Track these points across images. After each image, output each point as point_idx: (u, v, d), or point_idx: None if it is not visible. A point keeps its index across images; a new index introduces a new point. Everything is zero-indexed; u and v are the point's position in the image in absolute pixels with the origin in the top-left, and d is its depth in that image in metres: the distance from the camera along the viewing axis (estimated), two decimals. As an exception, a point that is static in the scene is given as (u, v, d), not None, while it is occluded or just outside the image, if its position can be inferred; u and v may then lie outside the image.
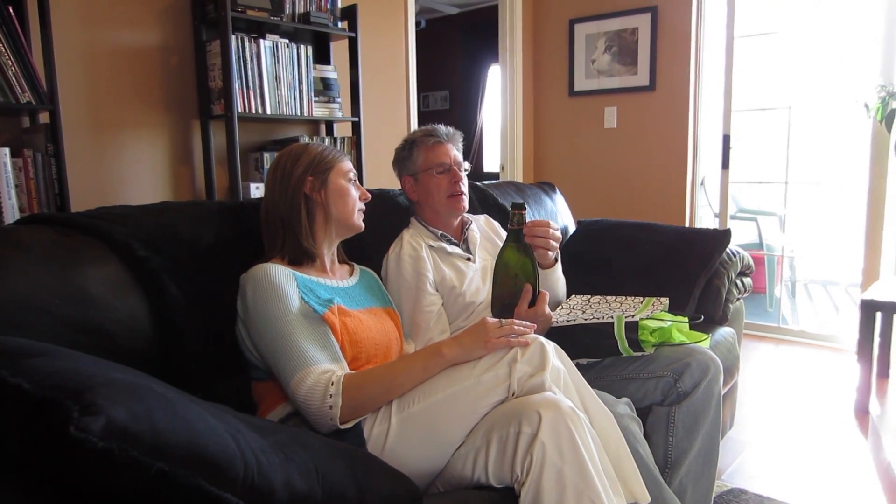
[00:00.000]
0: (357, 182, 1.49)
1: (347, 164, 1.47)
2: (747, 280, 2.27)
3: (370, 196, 1.50)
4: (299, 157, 1.42)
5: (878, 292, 2.68)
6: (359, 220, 1.47)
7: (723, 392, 1.73)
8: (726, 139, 3.78)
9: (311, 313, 1.27)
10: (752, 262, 2.28)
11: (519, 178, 4.29)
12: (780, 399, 2.81)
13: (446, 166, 1.71)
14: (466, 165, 1.77)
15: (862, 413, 2.62)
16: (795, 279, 4.76)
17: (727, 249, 2.14)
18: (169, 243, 1.33)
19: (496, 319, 1.25)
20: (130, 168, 2.44)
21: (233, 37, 2.39)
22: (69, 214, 1.34)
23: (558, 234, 1.65)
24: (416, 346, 1.59)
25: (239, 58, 2.43)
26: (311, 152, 1.43)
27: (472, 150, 6.49)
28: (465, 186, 1.74)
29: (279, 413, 1.28)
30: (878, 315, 2.74)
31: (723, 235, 2.10)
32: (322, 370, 1.20)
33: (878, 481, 2.10)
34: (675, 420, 1.57)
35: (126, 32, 2.39)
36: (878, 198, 3.30)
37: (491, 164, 6.52)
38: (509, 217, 1.49)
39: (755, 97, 4.35)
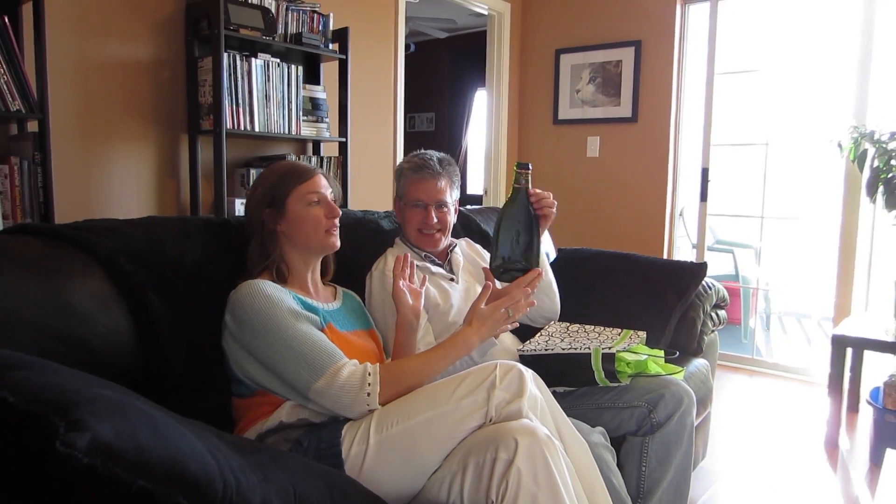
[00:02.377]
0: (325, 199, 1.42)
1: (313, 183, 1.41)
2: (722, 312, 2.32)
3: (339, 212, 1.43)
4: (257, 188, 1.42)
5: (848, 328, 2.75)
6: (328, 239, 1.42)
7: (696, 423, 1.76)
8: (705, 172, 3.88)
9: (315, 319, 1.30)
10: (726, 295, 2.33)
11: (502, 203, 4.34)
12: (753, 431, 2.85)
13: (421, 203, 1.72)
14: (449, 206, 1.74)
15: (832, 447, 2.67)
16: (770, 311, 4.85)
17: (703, 282, 2.19)
18: (155, 258, 1.33)
19: (496, 306, 1.37)
20: (116, 179, 2.44)
21: (225, 54, 2.41)
22: (56, 226, 1.34)
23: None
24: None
25: (230, 75, 2.45)
26: (268, 180, 1.41)
27: (457, 173, 6.54)
28: (442, 224, 1.73)
29: (258, 429, 1.28)
30: (849, 350, 2.81)
31: (699, 269, 2.15)
32: (353, 362, 1.24)
33: (844, 514, 2.14)
34: (648, 450, 1.59)
35: (119, 45, 2.40)
36: (850, 235, 3.39)
37: (475, 186, 6.57)
38: (515, 177, 1.50)
39: (734, 132, 4.46)
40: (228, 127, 2.44)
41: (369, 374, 1.22)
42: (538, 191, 1.55)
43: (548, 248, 1.81)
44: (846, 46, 3.41)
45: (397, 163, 1.79)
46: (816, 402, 3.17)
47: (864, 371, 3.05)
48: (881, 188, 2.67)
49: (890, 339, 2.55)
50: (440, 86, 6.61)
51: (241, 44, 2.54)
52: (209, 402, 1.33)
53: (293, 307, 1.29)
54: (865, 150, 2.73)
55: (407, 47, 3.94)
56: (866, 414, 2.90)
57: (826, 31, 3.86)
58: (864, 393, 2.78)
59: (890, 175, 2.63)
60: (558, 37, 4.26)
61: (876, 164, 2.68)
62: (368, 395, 1.21)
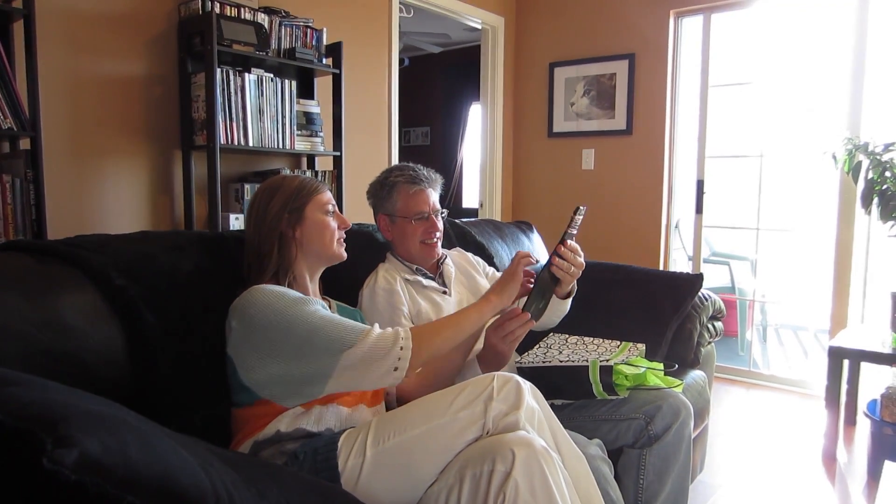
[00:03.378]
0: (337, 211, 1.49)
1: (325, 196, 1.46)
2: (719, 324, 2.31)
3: (350, 224, 1.51)
4: (275, 194, 1.42)
5: (845, 340, 2.75)
6: (339, 249, 1.47)
7: (693, 435, 1.75)
8: (700, 184, 3.89)
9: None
10: (723, 307, 2.32)
11: (497, 216, 4.35)
12: (751, 443, 2.84)
13: (424, 214, 1.71)
14: (443, 212, 1.78)
15: (829, 460, 2.65)
16: (766, 323, 4.85)
17: (699, 293, 2.19)
18: (147, 273, 1.32)
19: (517, 263, 1.46)
20: (110, 196, 2.43)
21: (218, 70, 2.42)
22: (47, 242, 1.33)
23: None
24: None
25: (223, 90, 2.45)
26: (288, 188, 1.43)
27: (452, 187, 6.56)
28: (439, 232, 1.74)
29: (255, 440, 1.26)
30: (846, 362, 2.80)
31: (695, 280, 2.14)
32: (380, 328, 1.25)
33: (845, 527, 2.12)
34: (645, 463, 1.58)
35: (112, 61, 2.41)
36: (845, 247, 3.40)
37: (470, 200, 6.59)
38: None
39: (728, 144, 4.49)
40: (222, 142, 2.44)
41: (402, 337, 1.23)
42: (564, 250, 1.53)
43: (561, 310, 1.80)
44: (839, 58, 3.44)
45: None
46: (814, 415, 3.16)
47: (862, 383, 3.04)
48: (876, 199, 2.68)
49: (887, 350, 2.55)
50: (435, 100, 6.64)
51: (234, 59, 2.55)
52: (203, 417, 1.32)
53: (307, 299, 1.29)
54: (859, 162, 2.74)
55: (401, 62, 3.96)
56: (864, 426, 2.89)
57: (819, 43, 3.89)
58: (862, 405, 2.77)
59: (884, 186, 2.64)
60: (552, 50, 4.29)
61: (870, 175, 2.69)
62: (399, 358, 1.21)
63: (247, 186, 2.65)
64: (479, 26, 4.26)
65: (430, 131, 6.79)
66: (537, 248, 2.54)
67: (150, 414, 0.91)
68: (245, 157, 2.81)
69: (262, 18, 2.65)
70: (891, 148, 2.64)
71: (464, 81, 6.23)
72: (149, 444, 0.68)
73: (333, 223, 1.46)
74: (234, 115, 2.50)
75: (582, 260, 1.57)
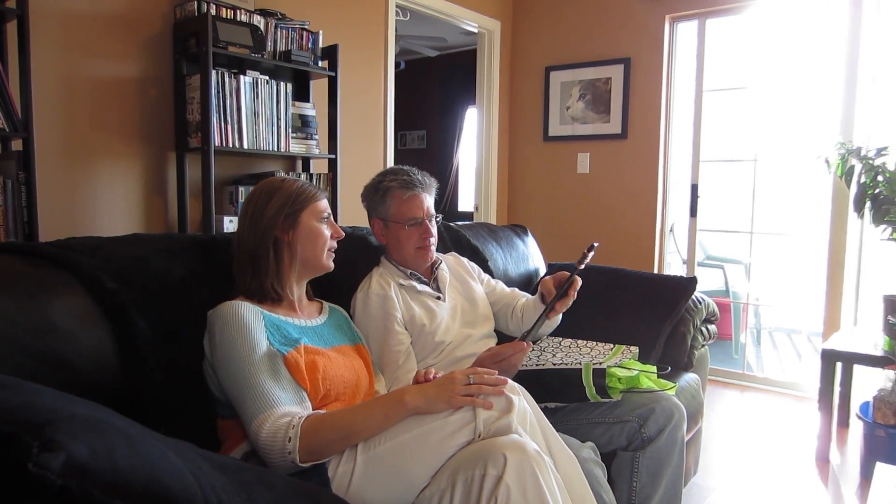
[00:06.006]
0: (331, 220, 1.48)
1: (322, 204, 1.46)
2: (712, 327, 2.31)
3: (343, 234, 1.50)
4: (272, 197, 1.40)
5: (837, 342, 2.76)
6: (328, 260, 1.46)
7: (687, 438, 1.75)
8: (694, 188, 3.90)
9: (277, 353, 1.26)
10: (716, 310, 2.33)
11: (493, 220, 4.35)
12: (745, 446, 2.84)
13: (419, 220, 1.70)
14: (438, 217, 1.78)
15: (822, 462, 2.66)
16: (760, 326, 4.86)
17: (693, 296, 2.19)
18: (139, 276, 1.32)
19: (466, 375, 1.23)
20: (103, 198, 2.42)
21: (213, 72, 2.41)
22: (37, 244, 1.33)
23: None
24: (385, 384, 1.58)
25: (218, 92, 2.45)
26: (285, 191, 1.41)
27: (448, 190, 6.57)
28: (434, 238, 1.74)
29: (243, 449, 1.26)
30: (838, 365, 2.81)
31: (688, 283, 2.15)
32: (282, 413, 1.18)
33: (837, 530, 2.13)
34: (639, 465, 1.58)
35: (106, 63, 2.40)
36: (838, 250, 3.41)
37: (466, 203, 6.59)
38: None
39: (723, 148, 4.50)
40: (217, 144, 2.44)
41: (291, 429, 1.16)
42: (567, 298, 1.65)
43: (552, 323, 1.87)
44: (832, 64, 3.46)
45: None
46: (807, 417, 3.17)
47: (854, 385, 3.05)
48: (868, 203, 2.69)
49: (879, 353, 2.56)
50: (431, 103, 6.65)
51: (229, 61, 2.55)
52: (195, 422, 1.31)
53: (261, 339, 1.26)
54: (852, 166, 2.75)
55: (397, 65, 3.97)
56: (856, 428, 2.90)
57: (812, 48, 3.91)
58: (854, 407, 2.78)
59: (877, 190, 2.65)
60: (548, 54, 4.30)
61: (863, 179, 2.70)
62: (289, 452, 1.15)
63: (241, 189, 2.65)
64: (476, 30, 4.27)
65: (426, 134, 6.79)
66: (532, 252, 2.54)
67: (141, 418, 0.90)
68: (240, 160, 2.81)
69: (258, 20, 2.65)
70: (883, 152, 2.65)
71: (460, 85, 6.24)
72: (137, 449, 0.68)
73: (327, 232, 1.45)
74: (228, 118, 2.49)
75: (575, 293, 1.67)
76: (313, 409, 1.26)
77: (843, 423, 3.02)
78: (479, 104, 4.40)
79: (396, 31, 3.98)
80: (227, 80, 2.48)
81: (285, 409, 1.20)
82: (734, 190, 4.43)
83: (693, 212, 3.92)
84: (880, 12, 3.15)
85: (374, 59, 3.52)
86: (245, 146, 2.55)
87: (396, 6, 3.62)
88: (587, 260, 1.58)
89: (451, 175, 6.57)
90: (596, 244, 1.61)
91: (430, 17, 4.00)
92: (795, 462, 2.66)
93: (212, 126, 2.41)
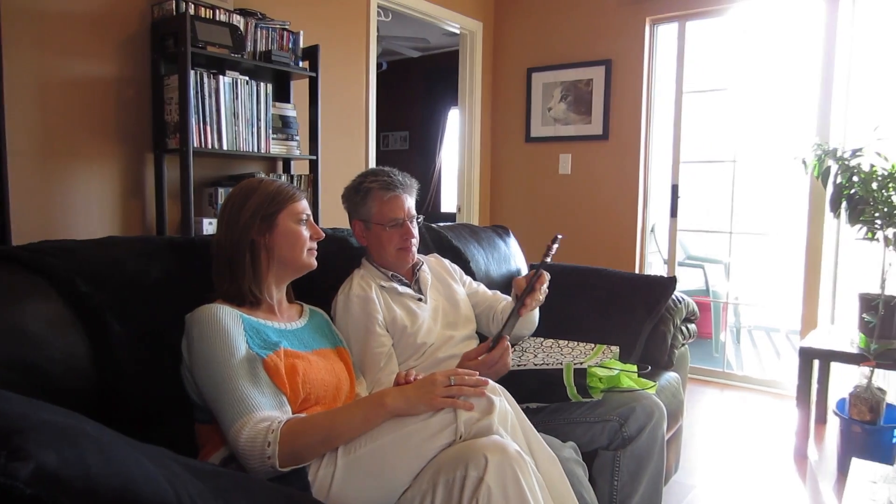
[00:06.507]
0: (311, 221, 1.47)
1: (300, 205, 1.44)
2: (692, 326, 2.34)
3: (323, 234, 1.48)
4: (248, 199, 1.38)
5: (815, 340, 2.80)
6: (309, 259, 1.45)
7: (667, 436, 1.76)
8: (675, 189, 3.94)
9: (256, 357, 1.25)
10: (696, 309, 2.35)
11: (475, 221, 4.36)
12: (725, 443, 2.87)
13: (399, 221, 1.69)
14: (419, 218, 1.78)
15: (801, 458, 2.69)
16: (740, 325, 4.91)
17: (673, 296, 2.21)
18: (114, 279, 1.29)
19: (447, 376, 1.23)
20: (78, 200, 2.38)
21: (192, 72, 2.39)
22: (9, 247, 1.30)
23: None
24: (367, 386, 1.58)
25: (197, 93, 2.42)
26: (262, 193, 1.40)
27: (431, 191, 6.56)
28: (415, 239, 1.74)
29: (222, 454, 1.25)
30: (816, 362, 2.85)
31: (669, 282, 2.17)
32: (261, 418, 1.17)
33: (815, 526, 2.16)
34: (620, 464, 1.59)
35: (82, 63, 2.36)
36: (815, 249, 3.46)
37: (449, 204, 6.59)
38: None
39: (702, 149, 4.55)
40: (195, 145, 2.41)
41: (271, 433, 1.14)
42: (535, 292, 1.66)
43: (528, 324, 1.88)
44: (809, 66, 3.51)
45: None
46: (786, 414, 3.21)
47: (832, 382, 3.10)
48: (844, 203, 2.73)
49: (855, 350, 2.60)
50: (414, 104, 6.64)
51: (208, 61, 2.52)
52: (172, 427, 1.29)
53: (240, 343, 1.24)
54: (828, 167, 2.78)
55: (379, 66, 3.96)
56: (834, 425, 2.94)
57: (790, 51, 3.96)
58: (832, 404, 2.82)
59: (852, 191, 2.69)
60: (530, 55, 4.31)
61: (839, 180, 2.74)
62: (269, 457, 1.13)
63: (220, 190, 2.63)
64: (458, 31, 4.27)
65: (408, 135, 6.79)
66: (514, 253, 2.54)
67: (117, 425, 0.89)
68: (219, 161, 2.78)
69: (238, 20, 2.63)
70: (858, 154, 2.69)
71: (443, 86, 6.24)
72: (110, 456, 0.66)
73: (306, 233, 1.43)
74: (207, 118, 2.47)
75: (546, 287, 1.68)
76: (293, 414, 1.25)
77: (821, 419, 3.06)
78: (462, 105, 4.40)
79: (378, 31, 3.97)
80: (206, 80, 2.46)
81: (264, 413, 1.18)
82: (714, 190, 4.48)
83: (673, 212, 3.96)
84: (855, 18, 3.21)
85: (355, 59, 3.50)
86: (224, 147, 2.52)
87: (378, 6, 3.61)
88: (552, 252, 1.58)
89: (433, 176, 6.57)
90: (560, 236, 1.60)
91: (412, 18, 4.00)
92: (774, 459, 2.69)
93: (190, 127, 2.38)
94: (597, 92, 4.06)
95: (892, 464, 2.38)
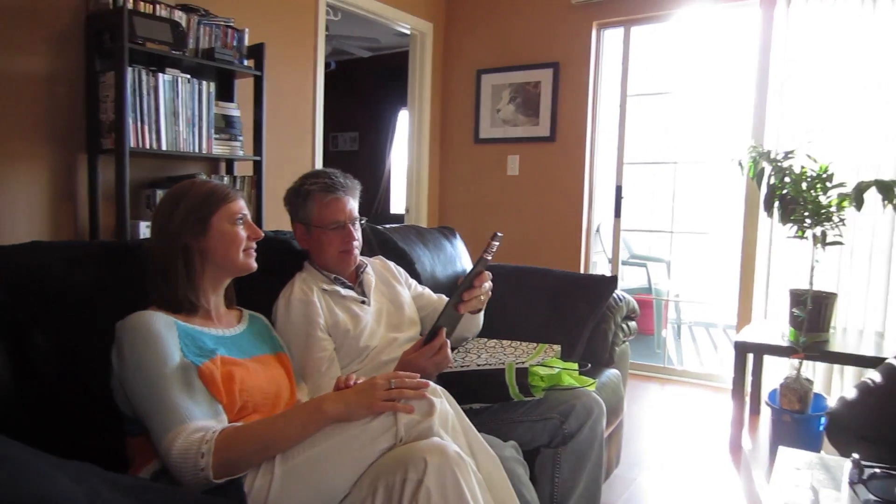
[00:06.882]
0: (248, 220, 1.42)
1: (236, 205, 1.40)
2: (632, 324, 2.40)
3: (262, 234, 1.44)
4: (180, 202, 1.35)
5: (749, 334, 2.91)
6: (247, 260, 1.41)
7: (609, 432, 1.81)
8: (619, 189, 4.03)
9: (191, 365, 1.22)
10: (636, 307, 2.42)
11: (423, 222, 4.36)
12: (665, 437, 2.96)
13: (341, 223, 1.68)
14: (362, 220, 1.77)
15: (735, 448, 2.80)
16: (680, 322, 5.07)
17: (614, 294, 2.27)
18: (37, 288, 1.24)
19: (387, 380, 1.23)
20: (3, 203, 2.27)
21: (129, 69, 2.32)
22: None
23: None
24: (308, 392, 1.56)
25: (135, 91, 2.35)
26: (194, 195, 1.36)
27: (380, 193, 6.53)
28: (357, 241, 1.73)
29: (153, 468, 1.22)
30: (750, 356, 2.97)
31: (609, 282, 2.22)
32: (195, 428, 1.14)
33: (748, 514, 2.25)
34: (560, 461, 1.62)
35: (8, 57, 2.26)
36: (750, 247, 3.60)
37: (399, 206, 6.58)
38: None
39: (646, 151, 4.68)
40: (132, 145, 2.34)
41: (205, 443, 1.12)
42: (469, 293, 1.60)
43: (471, 326, 1.89)
44: (746, 72, 3.64)
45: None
46: (723, 406, 3.33)
47: (765, 375, 3.23)
48: (777, 203, 2.84)
49: (785, 343, 2.72)
50: (364, 105, 6.60)
51: (147, 58, 2.45)
52: (102, 441, 1.24)
53: (174, 351, 1.21)
54: (763, 169, 2.89)
55: (327, 65, 3.92)
56: (767, 415, 3.07)
57: (728, 57, 4.12)
58: (765, 395, 2.94)
59: (784, 191, 2.81)
60: (480, 57, 4.34)
61: (772, 181, 2.85)
62: (202, 469, 1.10)
63: (159, 192, 2.55)
64: (408, 32, 4.27)
65: (358, 136, 6.73)
66: (460, 254, 2.56)
67: (42, 441, 0.86)
68: (158, 162, 2.70)
69: (180, 16, 2.57)
70: (790, 155, 2.80)
71: (393, 86, 6.21)
72: (21, 475, 0.64)
73: (243, 233, 1.39)
74: (146, 118, 2.40)
75: (489, 286, 1.65)
76: (230, 423, 1.23)
77: (755, 410, 3.19)
78: (411, 106, 4.40)
79: (328, 30, 3.93)
80: (144, 78, 2.39)
81: (199, 423, 1.16)
82: (657, 191, 4.61)
83: (617, 212, 4.05)
84: (788, 26, 3.34)
85: (303, 58, 3.46)
86: (163, 147, 2.45)
87: (327, 5, 3.58)
88: (492, 250, 1.57)
89: (383, 177, 6.54)
90: (500, 234, 1.60)
91: (362, 18, 3.97)
92: (711, 449, 2.79)
93: (127, 126, 2.31)
94: (545, 94, 4.12)
95: (819, 450, 2.51)
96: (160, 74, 2.44)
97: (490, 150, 4.33)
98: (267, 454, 1.16)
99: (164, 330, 1.23)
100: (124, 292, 1.36)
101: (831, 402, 2.76)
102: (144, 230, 2.45)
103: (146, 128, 2.40)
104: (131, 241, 1.59)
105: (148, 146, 2.40)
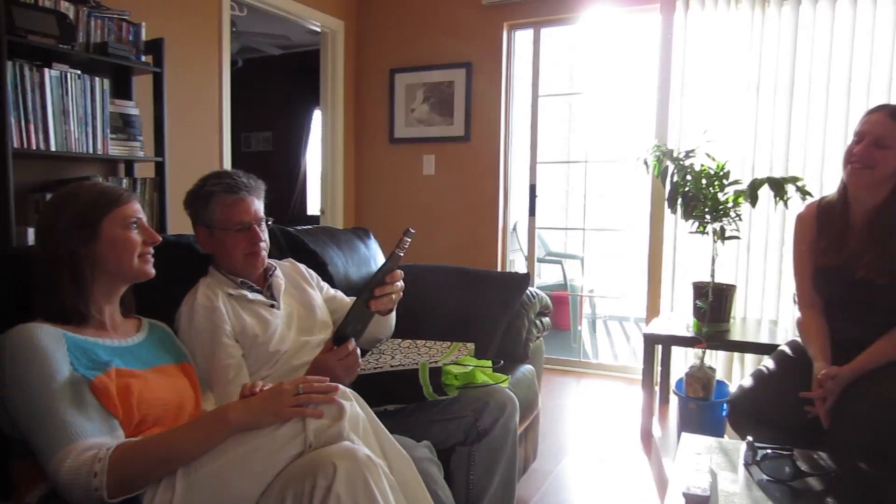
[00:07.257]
0: (143, 224, 1.34)
1: (129, 208, 1.31)
2: (546, 320, 2.45)
3: (159, 238, 1.35)
4: (64, 207, 1.25)
5: (657, 326, 3.05)
6: (143, 266, 1.32)
7: (524, 426, 1.84)
8: (533, 188, 4.12)
9: (82, 379, 1.14)
10: (550, 303, 2.47)
11: (339, 223, 4.30)
12: (580, 429, 3.05)
13: (246, 225, 1.62)
14: (269, 220, 1.71)
15: (647, 436, 2.92)
16: (595, 316, 5.25)
17: (527, 291, 2.31)
18: None
19: (295, 385, 1.19)
20: None
21: (10, 63, 2.15)
22: None
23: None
24: (215, 401, 1.50)
25: (17, 87, 2.18)
26: (81, 199, 1.27)
27: (297, 194, 6.38)
28: (264, 242, 1.67)
29: (40, 492, 1.13)
30: (658, 347, 3.10)
31: (522, 279, 2.26)
32: (86, 446, 1.07)
33: (657, 497, 2.34)
34: (475, 458, 1.63)
35: None
36: (657, 243, 3.76)
37: (315, 207, 6.45)
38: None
39: (558, 150, 4.81)
40: (16, 146, 2.17)
41: (98, 462, 1.06)
42: (380, 290, 1.54)
43: (382, 328, 1.85)
44: (649, 73, 3.80)
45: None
46: (636, 397, 3.46)
47: (673, 365, 3.39)
48: (680, 200, 2.99)
49: (689, 334, 2.86)
50: (276, 104, 6.42)
51: (31, 52, 2.27)
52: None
53: (62, 365, 1.13)
54: (666, 167, 3.03)
55: (234, 63, 3.79)
56: (675, 403, 3.22)
57: (633, 59, 4.29)
58: (674, 384, 3.08)
59: (686, 188, 2.95)
60: (393, 56, 4.32)
61: (675, 179, 2.99)
62: (96, 489, 1.05)
63: (49, 196, 2.38)
64: (319, 29, 4.19)
65: (272, 136, 6.55)
66: (374, 255, 2.53)
67: None
68: (47, 164, 2.51)
69: (66, 7, 2.40)
70: (691, 154, 2.95)
71: (307, 85, 6.06)
72: None
73: (137, 238, 1.31)
74: (31, 116, 2.23)
75: (401, 284, 1.61)
76: (128, 438, 1.16)
77: (665, 399, 3.34)
78: (324, 105, 4.32)
79: (234, 26, 3.80)
80: (27, 73, 2.22)
81: (91, 441, 1.08)
82: (570, 189, 4.75)
83: (532, 211, 4.14)
84: (687, 30, 3.52)
85: (206, 55, 3.32)
86: (52, 148, 2.29)
87: (231, 0, 3.45)
88: (405, 246, 1.55)
89: (300, 178, 6.40)
90: (412, 230, 1.58)
91: (270, 14, 3.86)
92: (624, 439, 2.90)
93: (9, 125, 2.14)
94: (458, 94, 4.15)
95: (723, 435, 2.65)
96: (46, 70, 2.28)
97: (405, 149, 4.32)
98: (167, 468, 1.10)
99: (51, 343, 1.14)
100: (6, 304, 1.26)
101: (732, 388, 2.92)
102: (32, 237, 2.27)
103: (31, 126, 2.23)
104: (12, 249, 1.45)
105: (34, 146, 2.23)
